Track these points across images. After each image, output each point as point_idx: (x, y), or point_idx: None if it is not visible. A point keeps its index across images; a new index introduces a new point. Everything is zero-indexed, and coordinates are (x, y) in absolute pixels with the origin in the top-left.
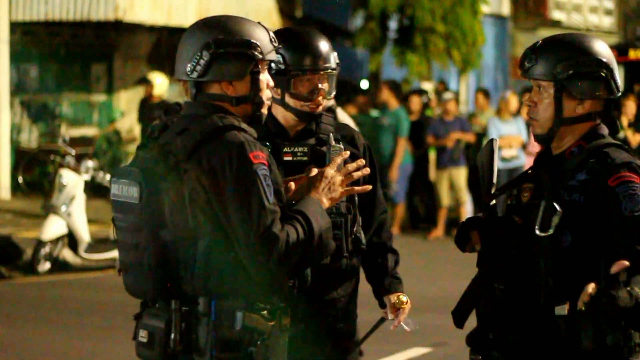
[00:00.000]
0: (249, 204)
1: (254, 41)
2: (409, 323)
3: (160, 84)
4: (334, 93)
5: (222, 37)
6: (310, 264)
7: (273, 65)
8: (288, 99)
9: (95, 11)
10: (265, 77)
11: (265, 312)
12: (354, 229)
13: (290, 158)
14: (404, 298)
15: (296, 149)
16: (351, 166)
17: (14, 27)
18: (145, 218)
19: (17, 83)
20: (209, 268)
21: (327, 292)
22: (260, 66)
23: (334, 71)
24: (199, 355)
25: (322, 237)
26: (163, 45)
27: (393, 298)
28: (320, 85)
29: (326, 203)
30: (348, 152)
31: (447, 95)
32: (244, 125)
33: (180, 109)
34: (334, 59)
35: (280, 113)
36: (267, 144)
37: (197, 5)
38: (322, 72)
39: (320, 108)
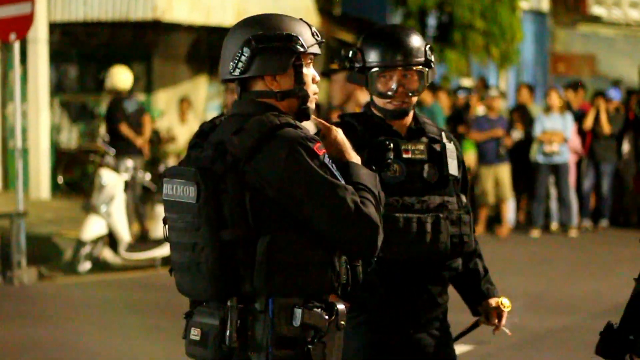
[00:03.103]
0: (332, 192)
1: (294, 34)
2: (507, 326)
3: (125, 79)
4: (421, 91)
5: (262, 33)
6: None
7: (357, 64)
8: (374, 97)
9: (133, 11)
10: (310, 72)
11: (322, 309)
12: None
13: (409, 155)
14: (507, 302)
15: (414, 147)
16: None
17: (53, 27)
18: (203, 218)
19: (57, 83)
20: (270, 266)
21: (441, 295)
22: (303, 60)
23: (418, 67)
24: (255, 352)
25: (381, 194)
26: (202, 44)
27: (493, 302)
28: (401, 82)
29: (359, 159)
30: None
31: (493, 92)
32: (298, 123)
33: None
34: (422, 55)
35: (375, 112)
36: (388, 141)
37: (236, 5)
38: (399, 68)
39: (407, 105)
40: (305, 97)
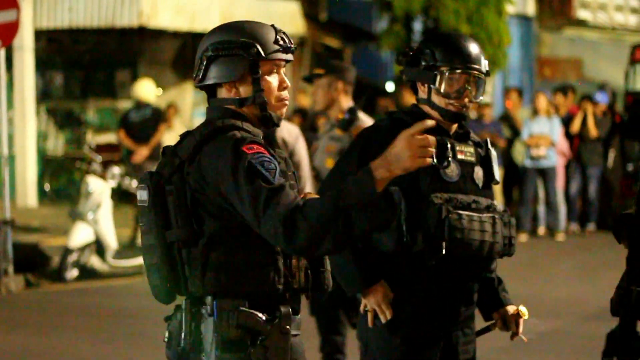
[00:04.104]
0: (254, 193)
1: (250, 41)
2: (524, 333)
3: (144, 90)
4: (480, 98)
5: (218, 40)
6: (343, 240)
7: (423, 61)
8: (434, 97)
9: (119, 18)
10: (274, 78)
11: (264, 313)
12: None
13: (462, 157)
14: (524, 310)
15: (466, 149)
16: (430, 137)
17: (39, 34)
18: (152, 219)
19: (43, 90)
20: (206, 267)
21: (475, 293)
22: (263, 66)
23: (483, 75)
24: (205, 355)
25: (353, 209)
26: (187, 50)
27: (511, 310)
28: (466, 86)
29: (389, 172)
30: (431, 122)
31: (485, 99)
32: (246, 126)
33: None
34: (484, 64)
35: (427, 111)
36: (445, 141)
37: (221, 11)
38: (469, 73)
39: (466, 110)
40: (263, 104)
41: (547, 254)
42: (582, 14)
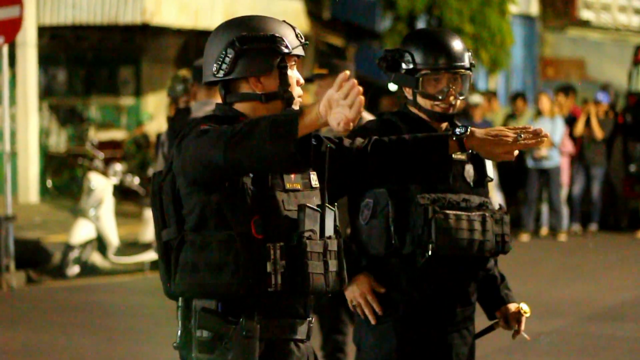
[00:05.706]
0: (214, 134)
1: (279, 36)
2: (526, 332)
3: None
4: (462, 97)
5: (246, 34)
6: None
7: (404, 65)
8: (419, 99)
9: (122, 15)
10: (294, 74)
11: (227, 315)
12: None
13: (452, 155)
14: (526, 307)
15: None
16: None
17: (42, 31)
18: (153, 218)
19: (45, 87)
20: (178, 267)
21: (473, 294)
22: (287, 61)
23: (466, 71)
24: (193, 354)
25: (268, 126)
26: (190, 48)
27: (513, 307)
28: (450, 85)
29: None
30: (348, 73)
31: (475, 99)
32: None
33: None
34: (467, 59)
35: (415, 112)
36: None
37: (224, 8)
38: (451, 72)
39: (452, 109)
40: (290, 99)
41: (549, 254)
42: (586, 14)
